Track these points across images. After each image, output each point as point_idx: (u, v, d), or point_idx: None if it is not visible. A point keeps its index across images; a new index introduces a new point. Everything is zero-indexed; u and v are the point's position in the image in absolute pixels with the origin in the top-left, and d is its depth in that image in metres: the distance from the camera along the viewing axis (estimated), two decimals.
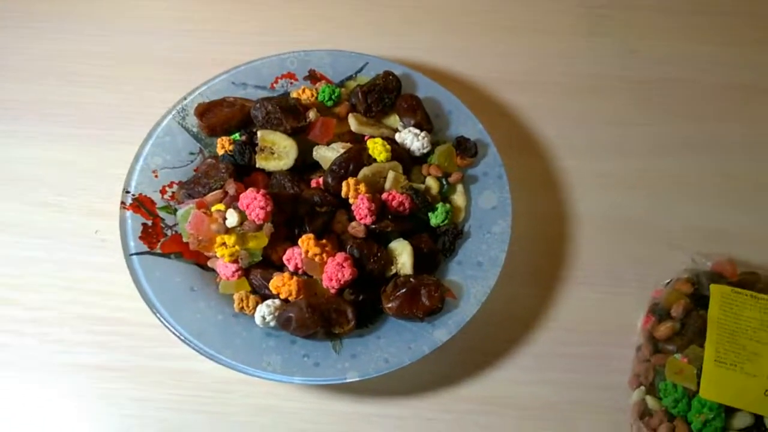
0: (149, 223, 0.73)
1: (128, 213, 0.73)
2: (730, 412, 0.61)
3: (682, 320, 0.66)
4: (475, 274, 0.71)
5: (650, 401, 0.64)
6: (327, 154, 0.76)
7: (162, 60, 0.92)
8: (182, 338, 0.66)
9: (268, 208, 0.67)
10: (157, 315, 0.67)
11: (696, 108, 0.90)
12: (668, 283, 0.71)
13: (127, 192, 0.74)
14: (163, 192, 0.76)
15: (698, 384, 0.62)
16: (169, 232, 0.73)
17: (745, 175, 0.84)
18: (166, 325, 0.67)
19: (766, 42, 0.96)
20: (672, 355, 0.64)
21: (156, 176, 0.76)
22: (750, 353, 0.63)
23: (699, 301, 0.67)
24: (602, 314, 0.74)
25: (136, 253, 0.71)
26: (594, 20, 0.99)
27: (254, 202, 0.67)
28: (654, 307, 0.69)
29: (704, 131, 0.88)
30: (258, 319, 0.67)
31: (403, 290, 0.68)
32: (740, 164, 0.85)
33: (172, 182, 0.77)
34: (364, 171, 0.73)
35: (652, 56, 0.95)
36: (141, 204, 0.74)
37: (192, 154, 0.79)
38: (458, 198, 0.77)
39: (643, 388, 0.66)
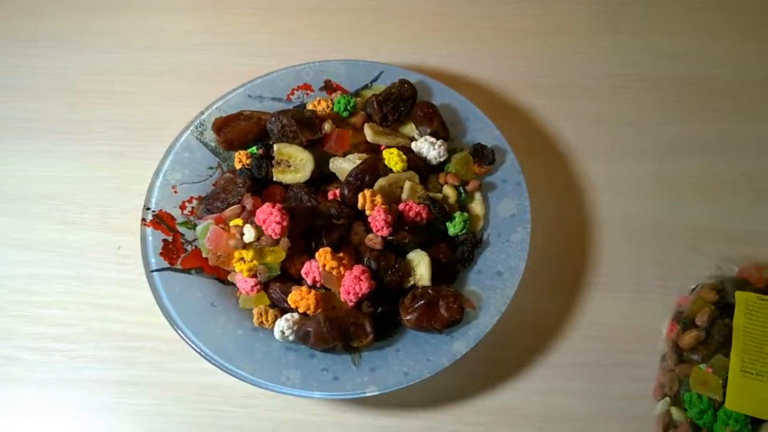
0: (169, 239, 0.74)
1: (149, 230, 0.74)
2: (756, 423, 0.60)
3: (707, 329, 0.65)
4: (495, 284, 0.70)
5: (675, 413, 0.63)
6: (343, 165, 0.76)
7: (179, 74, 0.93)
8: (203, 354, 0.67)
9: (284, 223, 0.67)
10: (179, 331, 0.68)
11: (716, 106, 0.88)
12: (693, 289, 0.70)
13: (148, 209, 0.75)
14: (182, 207, 0.77)
15: (724, 395, 0.61)
16: (189, 248, 0.74)
17: None
18: (187, 342, 0.67)
19: None
20: (697, 365, 0.63)
21: (175, 192, 0.77)
22: None
23: (724, 309, 0.65)
24: (626, 321, 0.73)
25: (157, 270, 0.72)
26: (611, 18, 0.97)
27: (270, 217, 0.67)
28: (678, 315, 0.68)
29: (725, 130, 0.86)
30: (277, 334, 0.68)
31: (422, 302, 0.68)
32: (763, 163, 0.83)
33: (191, 197, 0.77)
34: (381, 182, 0.73)
35: (670, 53, 0.93)
36: (161, 220, 0.75)
37: (210, 168, 0.80)
38: (476, 206, 0.76)
39: (667, 398, 0.64)
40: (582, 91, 0.90)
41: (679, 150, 0.85)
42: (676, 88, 0.90)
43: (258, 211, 0.68)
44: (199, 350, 0.67)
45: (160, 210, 0.76)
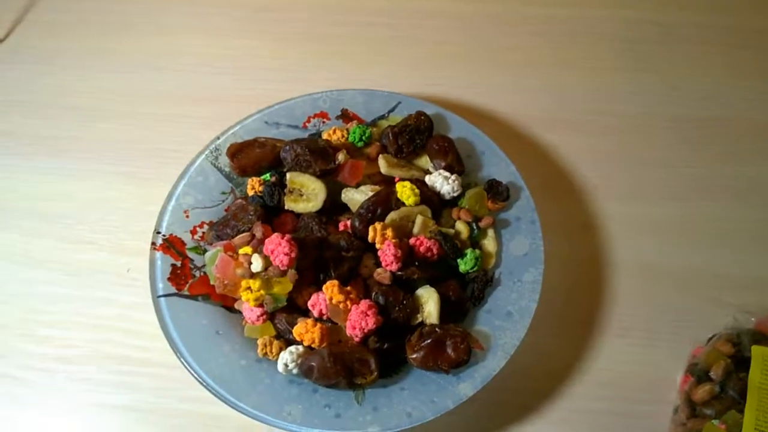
0: (178, 264, 0.74)
1: (158, 254, 0.74)
2: None
3: (721, 383, 0.63)
4: (504, 325, 0.69)
5: None
6: (356, 196, 0.75)
7: (197, 96, 0.94)
8: (204, 384, 0.66)
9: (293, 254, 0.66)
10: (181, 359, 0.67)
11: (739, 147, 0.87)
12: (709, 340, 0.68)
13: (158, 232, 0.75)
14: (193, 232, 0.76)
15: None
16: (197, 273, 0.74)
17: None
18: (189, 370, 0.66)
19: None
20: (710, 420, 0.61)
21: (187, 216, 0.77)
22: None
23: (740, 362, 0.63)
24: (639, 368, 0.71)
25: (164, 295, 0.71)
26: (634, 55, 0.96)
27: (279, 248, 0.66)
28: (693, 367, 0.66)
29: (748, 173, 0.84)
30: (280, 367, 0.67)
31: (429, 341, 0.67)
32: None
33: (202, 222, 0.77)
34: (392, 215, 0.72)
35: (693, 93, 0.92)
36: (171, 245, 0.75)
37: (224, 193, 0.79)
38: (489, 243, 0.75)
39: None
40: (604, 129, 0.89)
41: (700, 192, 0.83)
42: (700, 129, 0.89)
43: (267, 241, 0.68)
44: (201, 380, 0.66)
45: (171, 234, 0.75)
